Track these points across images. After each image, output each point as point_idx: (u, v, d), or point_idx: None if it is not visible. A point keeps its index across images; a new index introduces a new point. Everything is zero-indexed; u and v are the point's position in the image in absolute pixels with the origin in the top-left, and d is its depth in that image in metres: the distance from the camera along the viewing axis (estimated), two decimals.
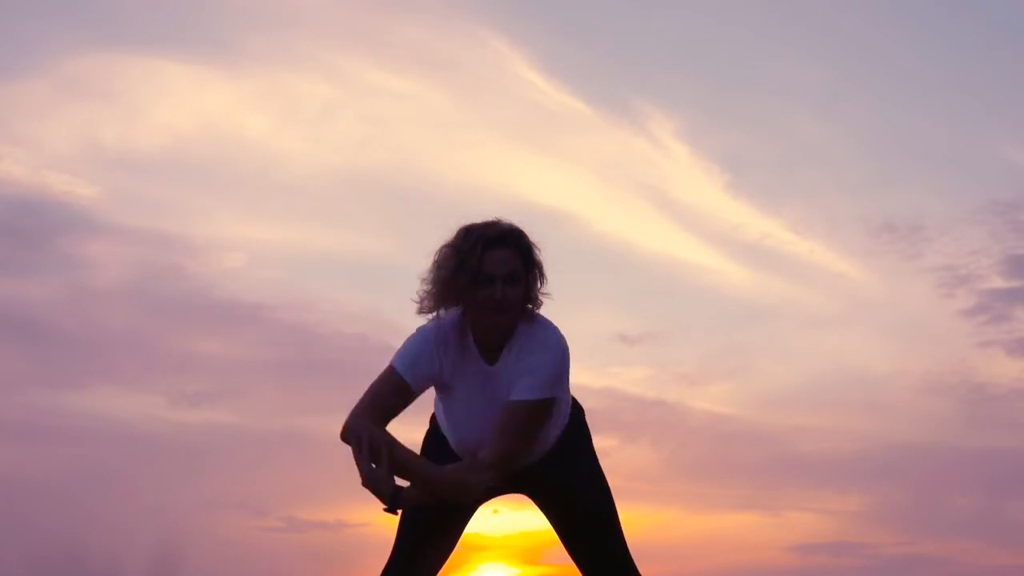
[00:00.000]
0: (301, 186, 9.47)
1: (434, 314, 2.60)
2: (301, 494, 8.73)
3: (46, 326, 9.05)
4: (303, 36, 9.21)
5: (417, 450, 2.71)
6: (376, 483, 2.49)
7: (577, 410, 2.81)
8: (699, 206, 9.46)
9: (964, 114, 9.95)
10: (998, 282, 9.64)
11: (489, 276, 2.52)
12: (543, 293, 2.61)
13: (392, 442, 2.53)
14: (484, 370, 2.62)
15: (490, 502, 2.81)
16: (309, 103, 9.45)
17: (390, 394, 2.58)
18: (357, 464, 2.50)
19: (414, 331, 2.63)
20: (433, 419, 2.84)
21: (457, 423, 2.69)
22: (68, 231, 9.18)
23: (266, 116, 9.54)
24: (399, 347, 2.62)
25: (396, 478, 2.53)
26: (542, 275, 2.60)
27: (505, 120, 9.20)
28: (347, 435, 2.54)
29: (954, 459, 9.68)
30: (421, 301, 2.60)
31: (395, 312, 9.49)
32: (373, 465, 2.50)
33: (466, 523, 2.79)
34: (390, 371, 2.59)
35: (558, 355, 2.60)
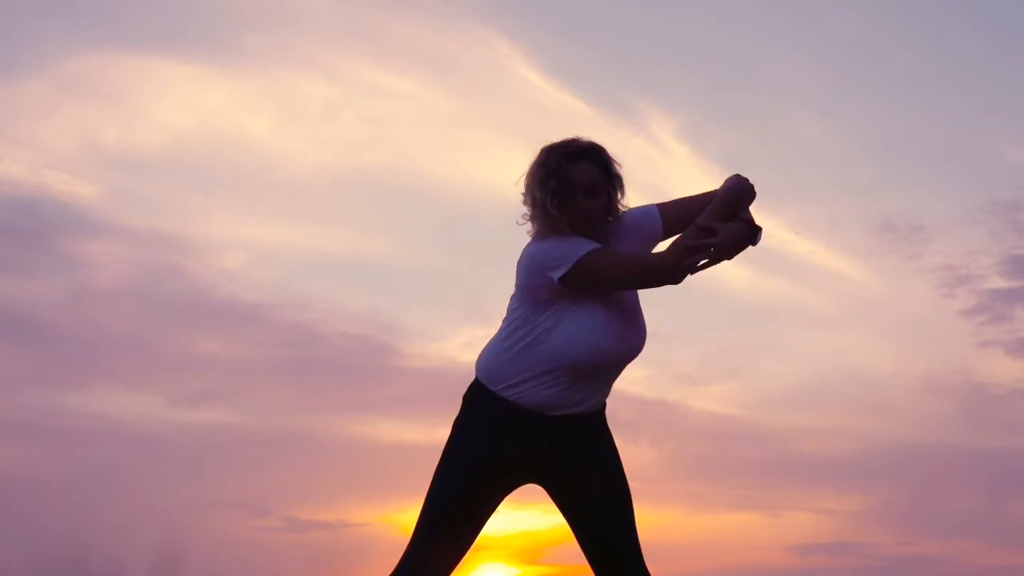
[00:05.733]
0: (301, 186, 9.47)
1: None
2: (301, 494, 8.73)
3: (46, 326, 9.05)
4: (303, 36, 9.21)
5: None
6: (736, 240, 2.67)
7: None
8: None
9: (964, 114, 9.94)
10: (998, 282, 9.64)
11: (580, 187, 2.67)
12: (623, 205, 2.77)
13: (697, 226, 2.66)
14: None
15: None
16: (309, 103, 9.45)
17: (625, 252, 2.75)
18: (717, 260, 2.66)
19: (538, 245, 2.69)
20: (476, 392, 2.78)
21: (598, 325, 2.69)
22: (68, 231, 9.18)
23: (266, 116, 9.54)
24: (552, 255, 2.65)
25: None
26: (622, 187, 2.75)
27: (505, 120, 9.19)
28: (684, 266, 2.65)
29: (954, 459, 9.69)
30: (535, 229, 2.71)
31: (395, 312, 9.51)
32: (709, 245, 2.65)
33: (493, 510, 2.77)
34: (596, 252, 2.65)
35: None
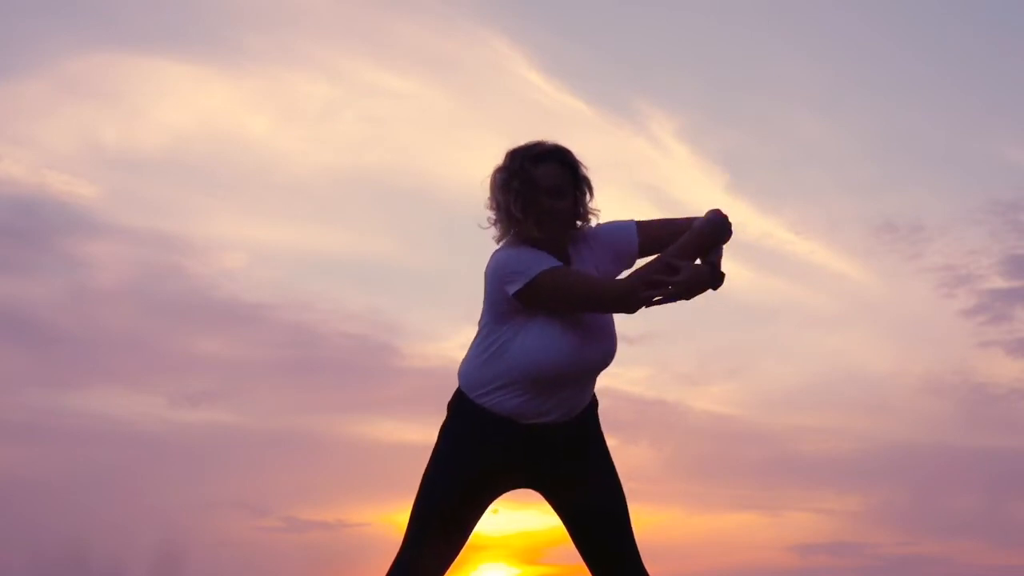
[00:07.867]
0: (301, 186, 9.47)
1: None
2: (301, 494, 8.73)
3: (46, 326, 9.05)
4: (303, 36, 9.21)
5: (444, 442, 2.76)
6: (697, 283, 2.64)
7: (593, 401, 2.84)
8: (699, 206, 9.41)
9: (964, 114, 9.94)
10: (998, 282, 9.65)
11: (544, 189, 2.64)
12: (593, 210, 2.73)
13: (662, 260, 2.65)
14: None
15: (494, 502, 2.81)
16: (309, 103, 9.45)
17: (583, 274, 2.69)
18: (675, 298, 2.63)
19: (499, 256, 2.67)
20: (459, 401, 2.78)
21: (555, 339, 2.67)
22: (68, 231, 9.18)
23: (266, 116, 9.54)
24: (509, 269, 2.63)
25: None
26: (590, 190, 2.72)
27: (505, 120, 9.18)
28: (641, 300, 2.62)
29: (954, 459, 9.70)
30: (500, 233, 2.71)
31: (395, 312, 9.51)
32: (670, 282, 2.62)
33: (480, 515, 2.78)
34: (554, 271, 2.62)
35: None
